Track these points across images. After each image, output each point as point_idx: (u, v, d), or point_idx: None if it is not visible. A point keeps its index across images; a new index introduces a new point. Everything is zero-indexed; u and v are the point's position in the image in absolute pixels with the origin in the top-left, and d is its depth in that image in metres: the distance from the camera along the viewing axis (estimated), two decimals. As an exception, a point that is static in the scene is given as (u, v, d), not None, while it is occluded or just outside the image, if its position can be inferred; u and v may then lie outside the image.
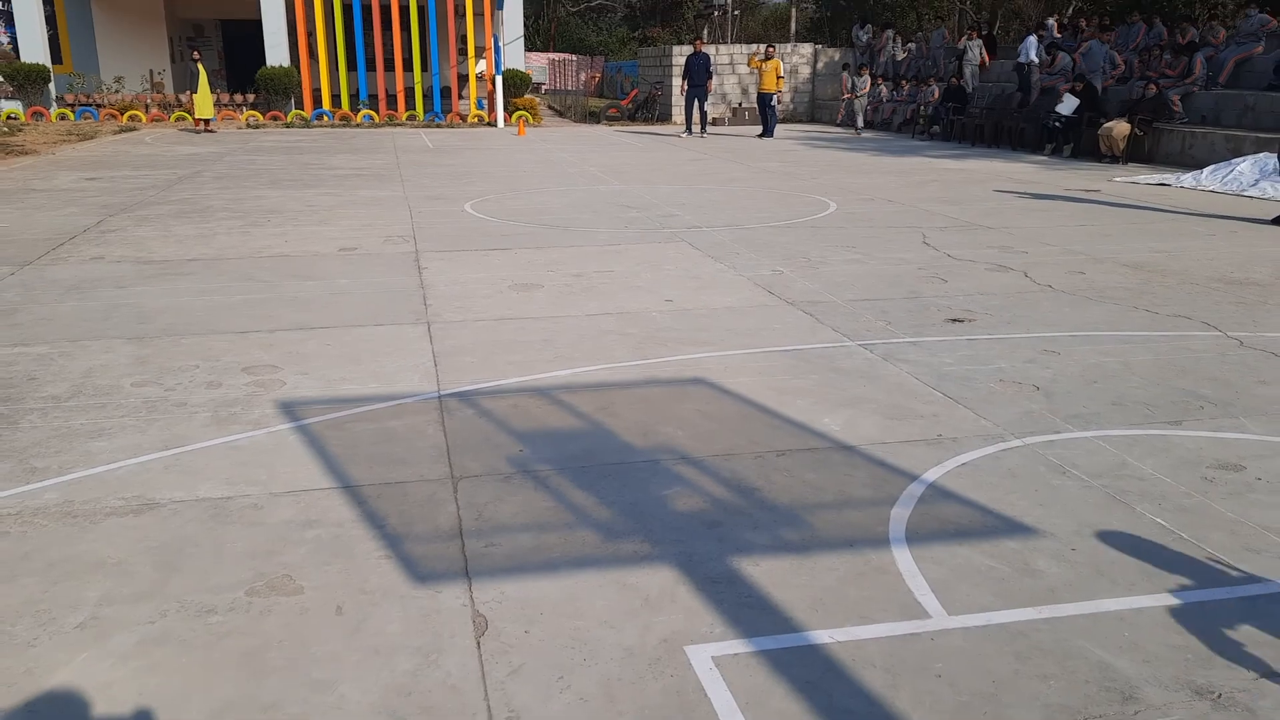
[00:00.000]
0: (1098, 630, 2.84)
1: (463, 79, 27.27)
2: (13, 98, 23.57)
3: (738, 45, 28.84)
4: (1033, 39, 18.65)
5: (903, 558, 3.25)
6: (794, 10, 33.84)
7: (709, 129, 22.63)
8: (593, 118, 27.85)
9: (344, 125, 24.15)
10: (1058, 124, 16.86)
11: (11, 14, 24.26)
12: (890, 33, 26.22)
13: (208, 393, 4.82)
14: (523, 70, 26.58)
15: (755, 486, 3.79)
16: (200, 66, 21.06)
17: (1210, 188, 12.58)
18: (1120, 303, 6.67)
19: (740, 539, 3.38)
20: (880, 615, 2.92)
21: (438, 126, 24.30)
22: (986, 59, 21.34)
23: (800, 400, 4.73)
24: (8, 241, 8.67)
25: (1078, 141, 16.64)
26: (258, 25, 25.02)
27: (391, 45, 25.40)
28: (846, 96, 23.65)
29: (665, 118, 26.65)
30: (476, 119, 25.18)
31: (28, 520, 3.51)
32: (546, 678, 2.64)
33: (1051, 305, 6.61)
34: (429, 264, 7.83)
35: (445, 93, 26.51)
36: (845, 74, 24.06)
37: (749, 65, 23.89)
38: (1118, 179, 13.64)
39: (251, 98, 25.51)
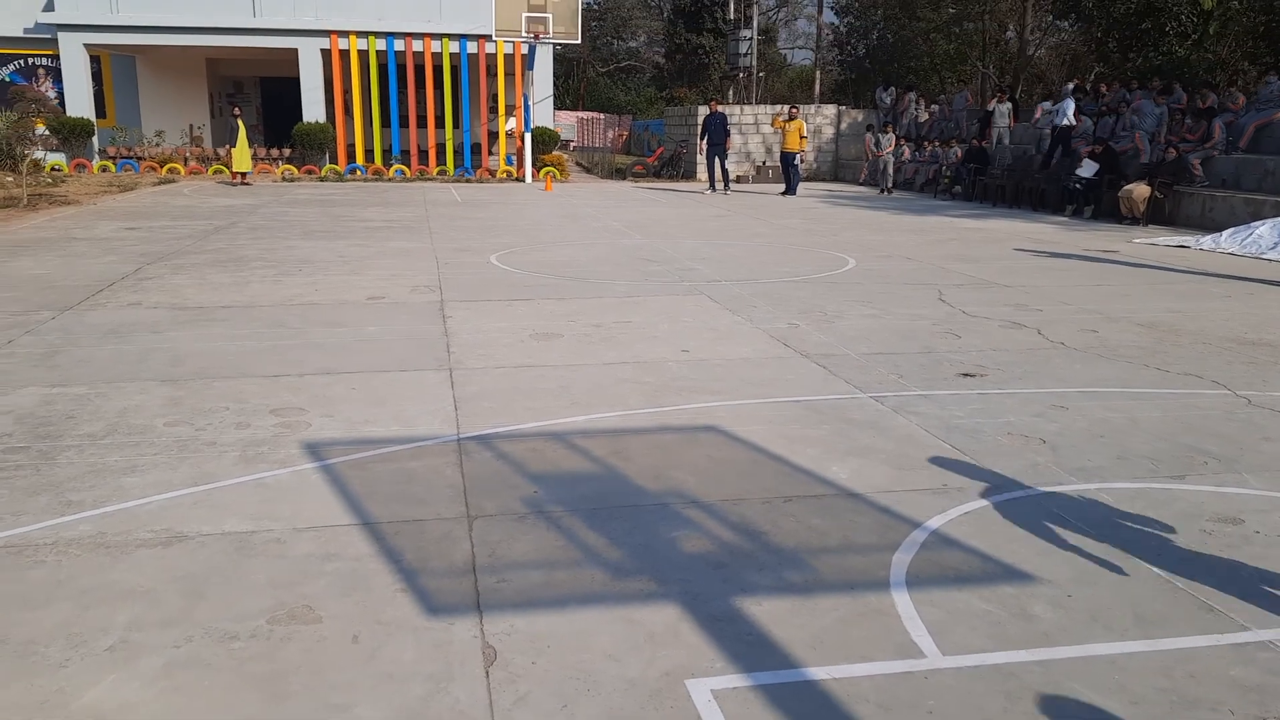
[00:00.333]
0: (1088, 673, 2.92)
1: (493, 136, 27.87)
2: (57, 150, 24.33)
3: (762, 106, 29.34)
4: (1070, 102, 18.79)
5: (902, 600, 3.34)
6: (818, 73, 34.39)
7: (732, 187, 22.98)
8: (619, 174, 28.33)
9: (376, 179, 24.72)
10: (1078, 185, 17.03)
11: (60, 71, 25.15)
12: (913, 95, 26.62)
13: (236, 433, 5.00)
14: (551, 128, 27.15)
15: (762, 530, 3.90)
16: (240, 122, 21.74)
17: (1229, 250, 12.66)
18: (1132, 361, 6.75)
19: (744, 580, 3.49)
20: (876, 654, 3.02)
21: (467, 181, 24.82)
22: (1012, 121, 21.60)
23: (810, 449, 4.85)
24: (50, 287, 8.98)
25: (1098, 203, 16.79)
26: (296, 83, 25.80)
27: (424, 102, 26.07)
28: (870, 156, 23.96)
29: (690, 175, 27.07)
30: (505, 175, 25.70)
31: (62, 550, 3.67)
32: (551, 706, 2.75)
33: (1063, 362, 6.70)
34: (453, 313, 8.04)
35: (476, 149, 27.12)
36: (869, 134, 24.39)
37: (773, 125, 24.30)
38: (1137, 240, 13.75)
39: (287, 152, 26.20)
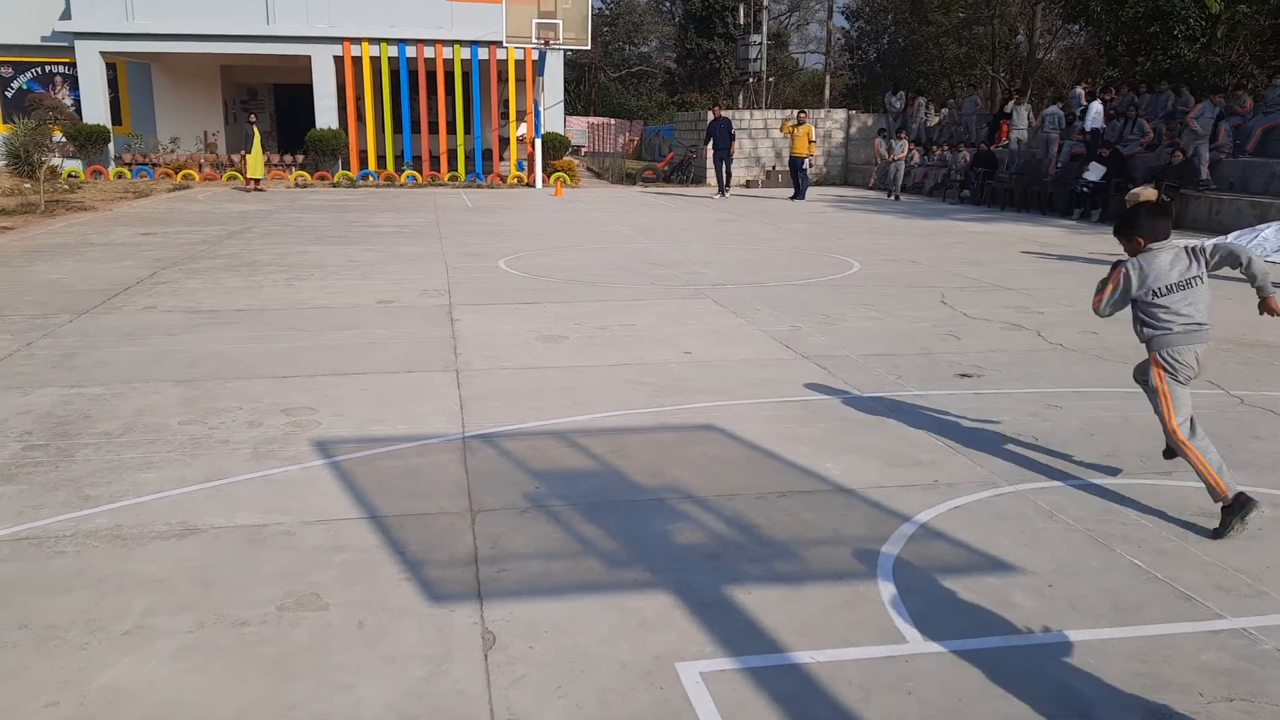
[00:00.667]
0: (1064, 657, 3.03)
1: (504, 141, 28.09)
2: (74, 157, 24.65)
3: (772, 110, 29.47)
4: (1098, 105, 18.71)
5: (887, 590, 3.46)
6: (828, 77, 34.52)
7: (731, 190, 23.10)
8: (630, 179, 28.50)
9: (388, 185, 24.95)
10: (1085, 189, 17.09)
11: (76, 78, 25.49)
12: (922, 100, 26.71)
13: (248, 431, 5.15)
14: (562, 133, 27.34)
15: (755, 524, 4.02)
16: (256, 129, 22.03)
17: (1234, 252, 12.69)
18: (1128, 361, 6.82)
19: (736, 570, 3.61)
20: (861, 640, 3.13)
21: (478, 187, 25.02)
22: (1035, 120, 21.62)
23: (805, 446, 4.97)
24: (68, 291, 9.18)
25: (1105, 206, 16.84)
26: (309, 89, 26.08)
27: (436, 109, 26.30)
28: (880, 161, 24.04)
29: (700, 180, 27.21)
30: (516, 180, 25.89)
31: (81, 541, 3.82)
32: (546, 687, 2.88)
33: (1061, 363, 6.80)
34: (461, 316, 8.19)
35: (486, 155, 27.33)
36: (879, 139, 24.47)
37: (781, 130, 24.42)
38: (1143, 243, 13.78)
39: (300, 158, 26.46)
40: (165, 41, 25.20)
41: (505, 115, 27.48)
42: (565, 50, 25.85)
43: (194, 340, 7.24)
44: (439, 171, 26.37)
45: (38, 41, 26.36)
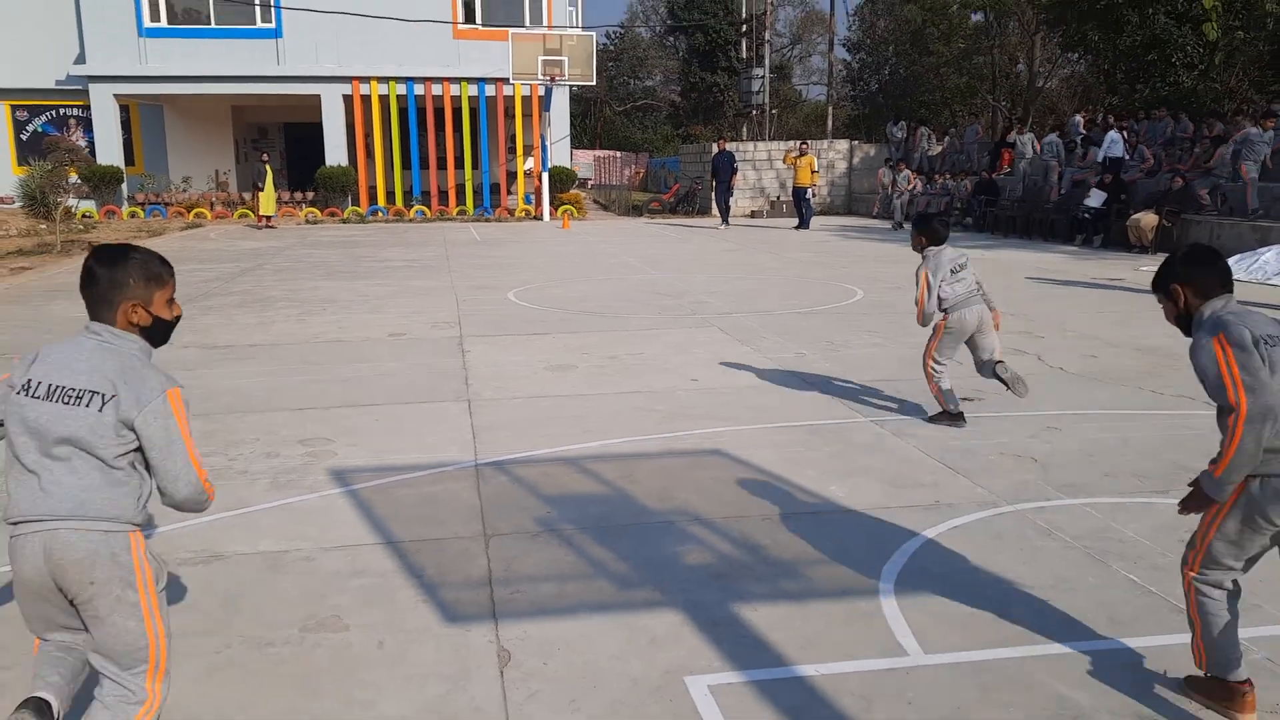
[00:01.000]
0: (1061, 668, 3.13)
1: (511, 175, 28.43)
2: (88, 197, 25.02)
3: (775, 142, 29.79)
4: (1116, 134, 18.57)
5: (890, 606, 3.57)
6: (831, 108, 34.89)
7: (732, 221, 23.31)
8: (636, 211, 28.80)
9: (397, 220, 25.26)
10: (1087, 215, 17.26)
11: (90, 120, 25.94)
12: (924, 129, 26.98)
13: (267, 462, 5.30)
14: (569, 167, 27.67)
15: (761, 544, 4.14)
16: (268, 168, 22.38)
17: (1235, 277, 12.79)
18: (1128, 384, 6.96)
19: (743, 589, 3.72)
20: (863, 653, 3.24)
21: (486, 221, 25.31)
22: (1039, 147, 21.79)
23: (810, 470, 5.09)
24: (86, 329, 9.35)
25: (1107, 232, 16.99)
26: (318, 128, 26.47)
27: (444, 144, 26.66)
28: (883, 191, 24.26)
29: (705, 211, 27.48)
30: (524, 214, 26.19)
31: (109, 568, 3.94)
32: (560, 701, 2.99)
33: (1061, 386, 6.91)
34: (472, 348, 8.35)
35: (494, 189, 27.67)
36: (882, 170, 24.71)
37: (784, 162, 24.70)
38: (1144, 268, 13.93)
39: (310, 195, 26.81)
40: (177, 84, 25.67)
41: (512, 150, 27.82)
42: (571, 85, 26.21)
43: (210, 375, 7.40)
44: (447, 206, 26.69)
45: (53, 85, 26.84)
